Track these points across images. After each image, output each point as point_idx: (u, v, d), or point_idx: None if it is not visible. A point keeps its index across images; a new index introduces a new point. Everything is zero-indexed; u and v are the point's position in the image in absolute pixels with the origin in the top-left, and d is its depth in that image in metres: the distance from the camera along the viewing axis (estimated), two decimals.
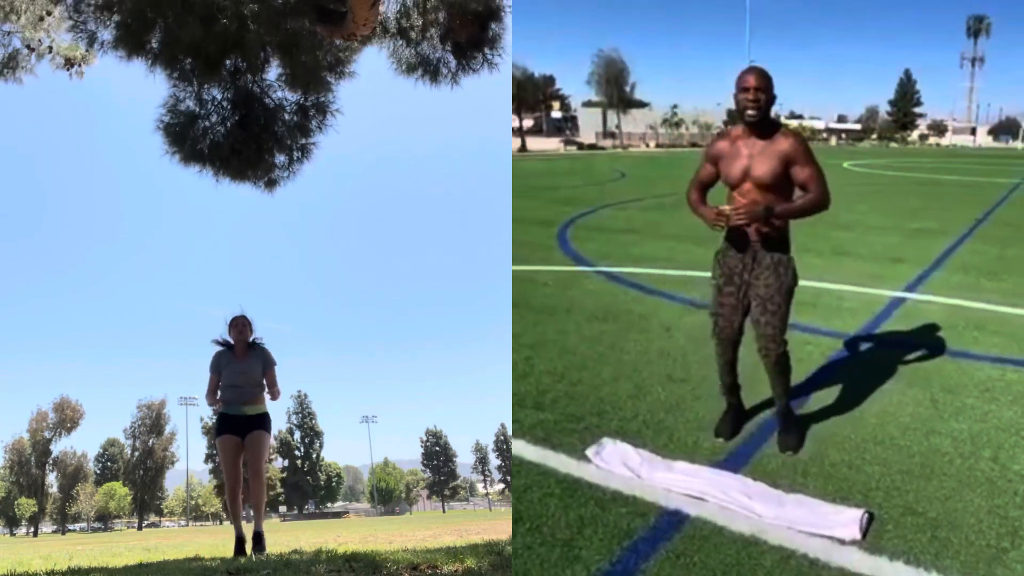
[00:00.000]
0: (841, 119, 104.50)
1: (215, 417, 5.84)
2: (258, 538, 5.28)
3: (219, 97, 5.68)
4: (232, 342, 5.67)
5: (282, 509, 73.26)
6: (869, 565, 2.96)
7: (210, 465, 68.77)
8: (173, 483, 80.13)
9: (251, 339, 5.69)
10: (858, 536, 3.13)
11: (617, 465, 3.71)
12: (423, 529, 12.52)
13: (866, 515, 3.23)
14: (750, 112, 3.66)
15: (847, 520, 3.19)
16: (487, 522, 16.84)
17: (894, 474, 3.63)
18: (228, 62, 5.50)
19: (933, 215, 15.05)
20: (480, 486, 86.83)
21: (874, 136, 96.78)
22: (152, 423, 71.48)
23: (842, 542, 3.10)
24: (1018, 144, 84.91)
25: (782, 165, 3.69)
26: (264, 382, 5.61)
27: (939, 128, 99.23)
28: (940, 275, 8.53)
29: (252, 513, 5.40)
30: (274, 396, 5.68)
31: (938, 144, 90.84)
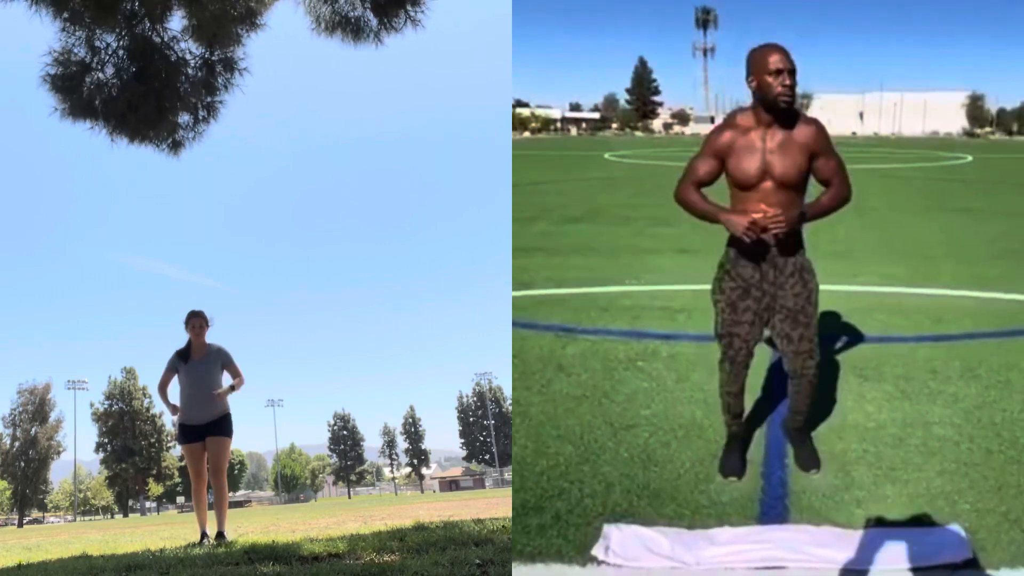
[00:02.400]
0: (575, 107, 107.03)
1: (176, 426, 6.00)
2: (220, 536, 5.46)
3: (114, 45, 5.21)
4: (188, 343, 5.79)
5: (180, 500, 70.54)
6: None
7: (100, 455, 65.31)
8: (59, 475, 75.70)
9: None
10: (969, 555, 2.78)
11: (639, 555, 2.87)
12: (327, 516, 12.39)
13: (962, 530, 2.92)
14: (785, 99, 3.10)
15: (951, 541, 2.85)
16: (392, 507, 16.81)
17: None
18: (125, 5, 5.07)
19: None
20: (387, 471, 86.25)
21: (615, 125, 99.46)
22: (35, 409, 67.02)
23: (955, 567, 2.73)
24: None
25: (807, 159, 3.20)
26: (222, 382, 5.78)
27: (682, 117, 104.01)
28: None
29: (216, 513, 5.65)
30: (238, 384, 5.84)
31: (682, 133, 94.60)
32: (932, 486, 3.35)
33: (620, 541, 2.93)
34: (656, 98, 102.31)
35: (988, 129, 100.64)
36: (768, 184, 3.19)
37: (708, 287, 3.41)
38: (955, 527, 2.96)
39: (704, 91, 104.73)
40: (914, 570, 2.72)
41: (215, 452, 5.68)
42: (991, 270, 8.59)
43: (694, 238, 9.14)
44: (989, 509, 3.16)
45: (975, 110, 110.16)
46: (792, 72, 3.10)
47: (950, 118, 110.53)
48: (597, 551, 2.90)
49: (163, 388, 5.89)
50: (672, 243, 10.09)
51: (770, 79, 3.10)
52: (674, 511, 3.18)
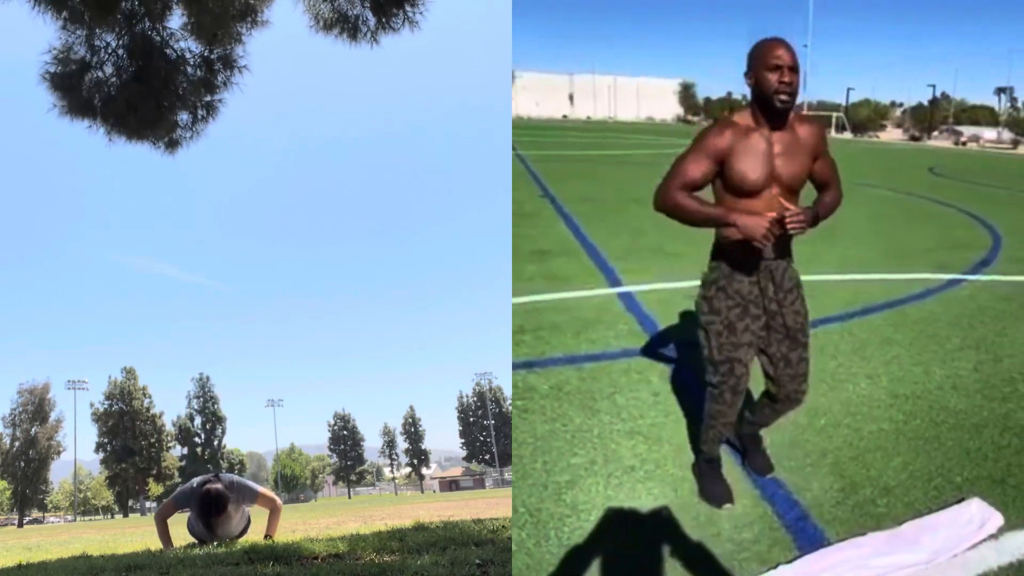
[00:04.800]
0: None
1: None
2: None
3: (113, 44, 5.18)
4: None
5: None
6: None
7: (100, 455, 65.26)
8: (59, 475, 75.61)
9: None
10: (1001, 522, 2.91)
11: None
12: (327, 516, 12.39)
13: (981, 501, 3.04)
14: (782, 97, 2.85)
15: (983, 514, 2.96)
16: (392, 507, 16.80)
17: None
18: (124, 3, 5.04)
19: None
20: (387, 470, 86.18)
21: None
22: (35, 409, 66.96)
23: (996, 537, 2.86)
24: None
25: (811, 161, 3.01)
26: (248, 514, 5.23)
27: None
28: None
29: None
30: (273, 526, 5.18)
31: None
32: (932, 462, 3.50)
33: None
34: None
35: (700, 117, 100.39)
36: (775, 190, 2.92)
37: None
38: (977, 500, 3.04)
39: None
40: (965, 553, 2.77)
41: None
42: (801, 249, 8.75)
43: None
44: (982, 476, 3.35)
45: (688, 98, 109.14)
46: (793, 69, 2.85)
47: (663, 104, 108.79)
48: None
49: (163, 522, 5.21)
50: None
51: (769, 75, 2.85)
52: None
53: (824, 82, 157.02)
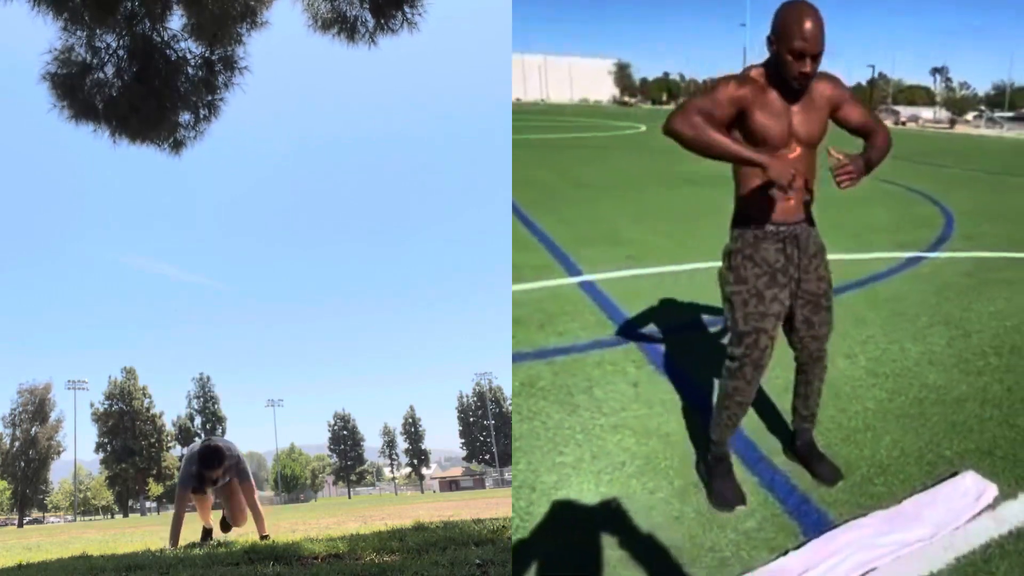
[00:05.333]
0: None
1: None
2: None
3: (114, 45, 5.18)
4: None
5: None
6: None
7: (100, 455, 65.25)
8: (59, 475, 75.59)
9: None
10: (997, 492, 3.03)
11: None
12: (327, 516, 12.39)
13: (974, 472, 3.14)
14: (799, 85, 2.78)
15: (978, 487, 3.06)
16: (392, 507, 16.80)
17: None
18: (125, 4, 5.04)
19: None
20: (387, 470, 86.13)
21: None
22: (35, 409, 66.96)
23: (992, 507, 2.98)
24: None
25: (827, 115, 2.93)
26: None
27: None
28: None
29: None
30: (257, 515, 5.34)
31: None
32: (920, 438, 3.58)
33: None
34: None
35: (637, 98, 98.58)
36: (795, 148, 2.85)
37: None
38: (971, 473, 3.14)
39: None
40: (968, 524, 2.85)
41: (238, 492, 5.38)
42: None
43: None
44: (970, 449, 3.46)
45: (623, 78, 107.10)
46: (816, 57, 2.71)
47: (598, 85, 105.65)
48: None
49: (179, 518, 5.28)
50: None
51: (791, 59, 2.71)
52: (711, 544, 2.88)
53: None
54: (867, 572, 2.69)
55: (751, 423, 3.69)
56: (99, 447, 65.32)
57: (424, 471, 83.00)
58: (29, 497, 67.32)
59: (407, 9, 5.64)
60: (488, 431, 74.76)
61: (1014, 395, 4.07)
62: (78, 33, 5.13)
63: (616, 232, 9.05)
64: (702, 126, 2.69)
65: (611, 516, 3.11)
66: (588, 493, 3.25)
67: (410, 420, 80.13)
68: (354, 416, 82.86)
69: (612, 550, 2.89)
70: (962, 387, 4.18)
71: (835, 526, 2.93)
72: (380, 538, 4.60)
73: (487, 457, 75.45)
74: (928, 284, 6.56)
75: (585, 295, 6.24)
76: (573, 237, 8.67)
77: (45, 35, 4.96)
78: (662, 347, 4.90)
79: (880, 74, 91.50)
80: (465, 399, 78.18)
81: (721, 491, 3.12)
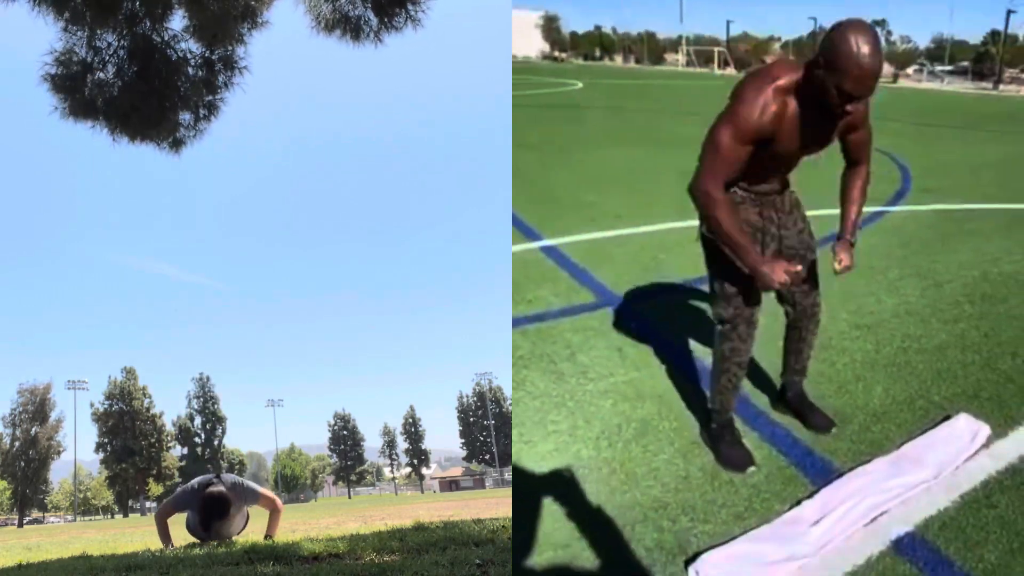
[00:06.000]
0: None
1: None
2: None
3: (115, 45, 5.19)
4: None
5: None
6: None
7: (100, 455, 65.24)
8: (59, 475, 75.59)
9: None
10: (989, 432, 3.19)
11: (753, 573, 2.55)
12: (327, 516, 12.39)
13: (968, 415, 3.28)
14: (836, 114, 2.59)
15: (971, 428, 3.18)
16: (392, 507, 16.80)
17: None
18: (125, 4, 5.03)
19: None
20: (387, 470, 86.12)
21: None
22: (35, 409, 66.95)
23: (987, 446, 3.14)
24: None
25: (841, 126, 2.82)
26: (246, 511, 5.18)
27: None
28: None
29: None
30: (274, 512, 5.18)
31: None
32: (909, 386, 3.70)
33: (724, 572, 2.56)
34: None
35: (567, 53, 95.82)
36: (796, 158, 2.87)
37: None
38: (964, 415, 3.28)
39: None
40: (966, 464, 3.01)
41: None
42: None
43: None
44: (957, 394, 3.58)
45: (552, 32, 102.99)
46: (866, 97, 2.56)
47: (526, 39, 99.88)
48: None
49: (163, 521, 5.16)
50: None
51: (836, 93, 2.50)
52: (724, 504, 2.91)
53: (703, 15, 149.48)
54: (878, 515, 2.80)
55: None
56: (99, 447, 65.32)
57: (424, 471, 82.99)
58: (29, 497, 67.33)
59: (410, 7, 5.64)
60: (488, 431, 74.73)
61: (991, 340, 4.24)
62: (79, 33, 5.13)
63: (573, 195, 8.82)
64: (721, 206, 2.70)
65: (616, 480, 3.09)
66: (588, 459, 3.24)
67: (410, 420, 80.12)
68: (354, 416, 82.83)
69: (622, 513, 2.89)
70: (941, 335, 4.32)
71: (841, 474, 3.02)
72: (380, 538, 4.60)
73: (487, 457, 75.43)
74: (894, 237, 6.67)
75: (550, 260, 6.08)
76: (528, 201, 8.38)
77: (46, 36, 4.98)
78: (641, 310, 4.89)
79: (821, 28, 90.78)
80: (465, 399, 78.16)
81: (731, 455, 3.15)
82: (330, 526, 7.83)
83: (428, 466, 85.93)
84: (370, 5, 5.68)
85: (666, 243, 6.52)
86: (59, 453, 69.29)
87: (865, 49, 2.41)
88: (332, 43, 5.72)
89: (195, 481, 5.10)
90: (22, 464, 66.94)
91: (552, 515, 2.91)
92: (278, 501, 5.28)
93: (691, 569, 2.59)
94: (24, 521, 63.11)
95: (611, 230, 7.09)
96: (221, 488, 4.82)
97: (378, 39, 5.72)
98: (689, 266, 5.49)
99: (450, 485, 75.83)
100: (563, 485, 3.10)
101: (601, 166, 11.10)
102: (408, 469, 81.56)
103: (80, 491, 70.41)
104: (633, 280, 5.48)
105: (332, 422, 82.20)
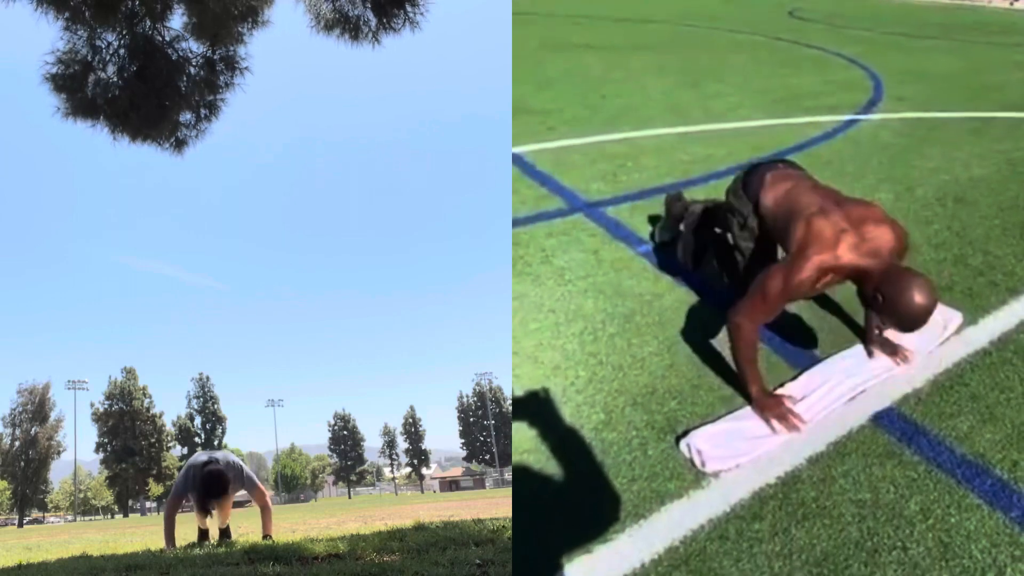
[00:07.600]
0: None
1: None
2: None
3: (115, 44, 5.19)
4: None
5: None
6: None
7: (100, 455, 65.28)
8: (59, 475, 75.62)
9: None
10: (960, 319, 3.47)
11: (744, 447, 2.75)
12: (328, 516, 12.39)
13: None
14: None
15: (941, 317, 3.32)
16: (392, 507, 16.81)
17: None
18: (126, 4, 5.04)
19: None
20: (387, 470, 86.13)
21: None
22: (35, 409, 66.96)
23: (958, 333, 3.42)
24: None
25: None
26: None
27: None
28: None
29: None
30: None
31: None
32: None
33: (714, 444, 2.73)
34: None
35: None
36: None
37: None
38: (939, 305, 3.40)
39: None
40: (940, 348, 3.30)
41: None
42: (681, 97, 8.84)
43: None
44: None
45: None
46: None
47: None
48: (696, 460, 2.70)
49: (171, 518, 5.18)
50: None
51: (882, 334, 3.29)
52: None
53: None
54: (858, 394, 3.05)
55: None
56: (99, 447, 65.35)
57: (424, 471, 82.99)
58: (29, 497, 67.32)
59: (409, 8, 5.66)
60: (488, 431, 74.75)
61: (963, 239, 4.54)
62: (79, 32, 5.13)
63: (524, 102, 8.62)
64: (750, 344, 2.94)
65: (604, 371, 3.20)
66: (574, 353, 3.33)
67: (410, 420, 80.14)
68: (354, 416, 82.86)
69: (611, 399, 3.00)
70: (915, 235, 4.42)
71: (821, 360, 3.28)
72: (380, 538, 4.60)
73: (487, 457, 75.45)
74: (867, 145, 6.80)
75: (516, 168, 6.13)
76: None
77: (47, 36, 4.99)
78: (611, 215, 4.95)
79: None
80: (465, 399, 78.18)
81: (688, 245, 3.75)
82: (330, 526, 7.84)
83: (428, 466, 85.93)
84: (369, 5, 5.70)
85: (633, 152, 6.57)
86: (59, 453, 69.30)
87: (922, 314, 2.70)
88: (333, 44, 5.74)
89: (191, 461, 5.14)
90: (22, 464, 66.94)
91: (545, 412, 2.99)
92: (268, 496, 5.34)
93: (682, 443, 2.79)
94: (24, 521, 63.14)
95: (574, 139, 7.03)
96: (220, 467, 4.91)
97: (376, 40, 5.73)
98: (654, 174, 5.82)
99: (450, 485, 75.84)
100: (552, 381, 3.18)
101: (550, 73, 10.56)
102: (408, 469, 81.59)
103: (80, 491, 70.42)
104: (605, 186, 5.59)
105: (332, 422, 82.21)
